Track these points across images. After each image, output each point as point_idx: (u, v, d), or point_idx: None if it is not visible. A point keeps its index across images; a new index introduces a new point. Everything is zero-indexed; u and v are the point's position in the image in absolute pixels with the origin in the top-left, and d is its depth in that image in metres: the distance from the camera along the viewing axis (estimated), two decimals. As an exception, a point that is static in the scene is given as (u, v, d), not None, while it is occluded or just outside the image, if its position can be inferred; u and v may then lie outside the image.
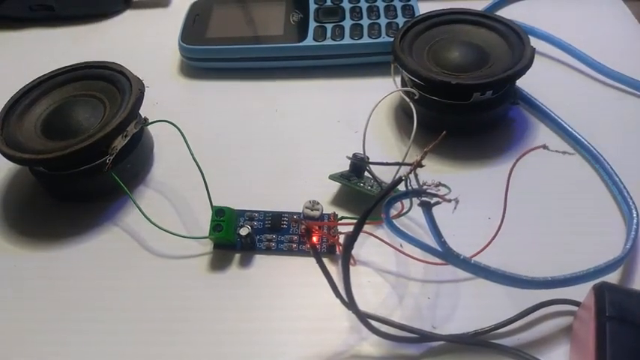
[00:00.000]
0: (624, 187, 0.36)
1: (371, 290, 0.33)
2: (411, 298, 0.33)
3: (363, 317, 0.28)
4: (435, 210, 0.28)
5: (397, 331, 0.30)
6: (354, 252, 0.34)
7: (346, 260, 0.25)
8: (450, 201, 0.26)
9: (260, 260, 0.34)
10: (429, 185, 0.27)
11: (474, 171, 0.39)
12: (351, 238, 0.25)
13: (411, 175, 0.28)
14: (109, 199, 0.38)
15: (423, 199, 0.27)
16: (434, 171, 0.38)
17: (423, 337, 0.30)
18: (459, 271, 0.32)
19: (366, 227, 0.34)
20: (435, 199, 0.27)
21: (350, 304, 0.27)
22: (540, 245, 0.34)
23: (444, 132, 0.27)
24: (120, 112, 0.36)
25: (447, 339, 0.30)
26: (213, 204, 0.34)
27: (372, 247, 0.34)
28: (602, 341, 0.26)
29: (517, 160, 0.31)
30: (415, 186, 0.27)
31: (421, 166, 0.26)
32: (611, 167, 0.37)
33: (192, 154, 0.35)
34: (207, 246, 0.35)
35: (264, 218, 0.35)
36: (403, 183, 0.28)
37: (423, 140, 0.35)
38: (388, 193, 0.26)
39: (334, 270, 0.32)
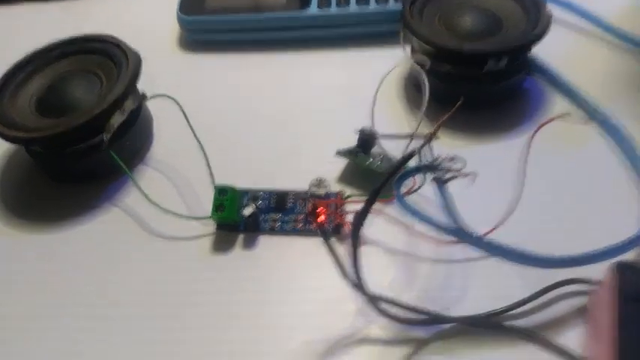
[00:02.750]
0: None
1: (379, 271, 0.32)
2: (422, 278, 0.31)
3: (372, 299, 0.27)
4: (449, 186, 0.26)
5: (407, 313, 0.29)
6: (363, 231, 0.33)
7: (355, 239, 0.24)
8: (466, 175, 0.25)
9: (265, 241, 0.33)
10: (443, 159, 0.26)
11: (488, 145, 0.37)
12: (361, 217, 0.24)
13: (424, 149, 0.26)
14: (107, 179, 0.37)
15: (437, 174, 0.26)
16: (445, 145, 0.36)
17: (434, 318, 0.29)
18: (472, 251, 0.31)
19: (377, 205, 0.33)
20: (449, 174, 0.26)
21: (359, 285, 0.26)
22: (556, 222, 0.33)
23: (461, 99, 0.25)
24: (116, 86, 0.35)
25: (459, 320, 0.29)
26: (216, 183, 0.33)
27: (381, 226, 0.33)
28: (623, 324, 0.25)
29: (536, 131, 0.29)
30: (428, 161, 0.26)
31: (436, 137, 0.25)
32: (630, 141, 0.36)
33: (192, 131, 0.34)
34: (210, 226, 0.34)
35: (268, 197, 0.34)
36: (415, 158, 0.26)
37: (434, 114, 0.33)
38: (400, 169, 0.25)
39: (341, 250, 0.31)
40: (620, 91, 0.40)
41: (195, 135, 0.34)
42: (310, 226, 0.33)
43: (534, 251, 0.28)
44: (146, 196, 0.34)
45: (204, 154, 0.33)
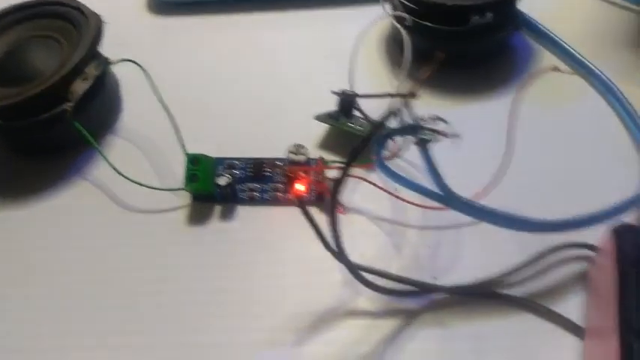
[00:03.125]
0: (638, 117, 0.33)
1: (365, 241, 0.30)
2: (409, 247, 0.30)
3: (355, 270, 0.25)
4: (433, 149, 0.24)
5: (394, 284, 0.27)
6: (345, 199, 0.31)
7: (334, 207, 0.22)
8: (449, 136, 0.23)
9: (243, 212, 0.31)
10: (426, 120, 0.24)
11: (474, 105, 0.35)
12: (338, 183, 0.22)
13: (405, 109, 0.24)
14: (75, 152, 0.34)
15: (419, 135, 0.24)
16: (430, 106, 0.34)
17: (423, 289, 0.27)
18: (462, 217, 0.29)
19: (358, 172, 0.32)
20: (433, 135, 0.24)
21: (340, 255, 0.24)
22: (550, 184, 0.31)
23: (441, 54, 0.23)
24: (77, 51, 0.32)
25: (450, 290, 0.27)
26: (189, 152, 0.31)
27: (365, 194, 0.31)
28: (626, 290, 0.23)
29: (523, 87, 0.27)
30: (410, 121, 0.24)
31: (415, 96, 0.23)
32: (624, 96, 0.34)
33: (159, 97, 0.32)
34: (185, 198, 0.32)
35: (245, 166, 0.32)
36: (396, 118, 0.24)
37: (417, 73, 0.31)
38: (378, 130, 0.22)
39: (324, 220, 0.29)
40: (607, 46, 0.38)
41: (162, 102, 0.32)
42: (290, 195, 0.31)
43: (528, 215, 0.26)
44: (115, 168, 0.32)
45: (173, 121, 0.31)
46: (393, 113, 0.23)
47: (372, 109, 0.32)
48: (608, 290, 0.24)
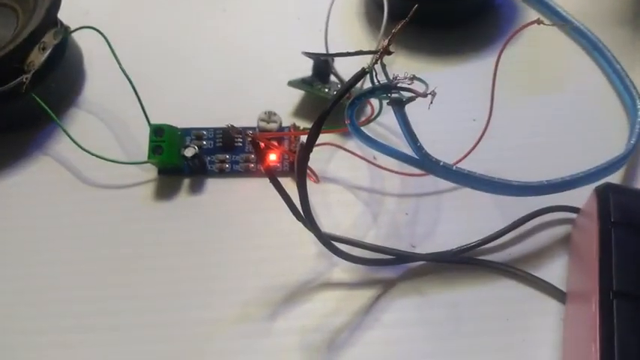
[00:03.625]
0: (626, 75, 0.31)
1: (341, 210, 0.29)
2: (387, 215, 0.29)
3: (326, 239, 0.24)
4: (411, 113, 0.23)
5: (371, 254, 0.26)
6: (320, 168, 0.30)
7: (302, 174, 0.21)
8: (425, 95, 0.22)
9: (212, 184, 0.30)
10: (401, 79, 0.22)
11: (456, 67, 0.34)
12: (306, 148, 0.21)
13: (380, 69, 0.23)
14: (35, 126, 0.33)
15: (394, 95, 0.22)
16: (409, 69, 0.32)
17: (400, 258, 0.26)
18: (441, 182, 0.28)
19: (333, 138, 0.30)
20: (408, 96, 0.22)
21: (311, 225, 0.23)
22: (532, 147, 0.30)
23: (415, 6, 0.21)
24: (32, 19, 0.30)
25: (428, 258, 0.26)
26: (152, 122, 0.29)
27: (341, 161, 0.30)
28: (607, 249, 0.22)
29: (505, 45, 0.26)
30: (384, 81, 0.22)
31: (389, 53, 0.21)
32: (611, 54, 0.33)
33: (119, 65, 0.30)
34: (151, 172, 0.30)
35: (213, 136, 0.30)
36: (370, 79, 0.23)
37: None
38: (349, 90, 0.21)
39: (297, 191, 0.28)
40: (597, 3, 0.36)
41: (122, 68, 0.30)
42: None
43: (508, 179, 0.25)
44: (76, 142, 0.30)
45: (134, 89, 0.29)
46: (366, 73, 0.22)
47: (350, 74, 0.31)
48: (589, 252, 0.23)
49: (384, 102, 0.27)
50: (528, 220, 0.27)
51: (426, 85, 0.23)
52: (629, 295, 0.21)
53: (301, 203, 0.22)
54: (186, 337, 0.26)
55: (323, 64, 0.30)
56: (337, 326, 0.26)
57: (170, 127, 0.29)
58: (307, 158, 0.21)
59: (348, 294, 0.27)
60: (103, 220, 0.29)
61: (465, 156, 0.28)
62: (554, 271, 0.26)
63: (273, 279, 0.27)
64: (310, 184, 0.29)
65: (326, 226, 0.28)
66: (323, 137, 0.30)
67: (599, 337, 0.21)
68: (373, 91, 0.23)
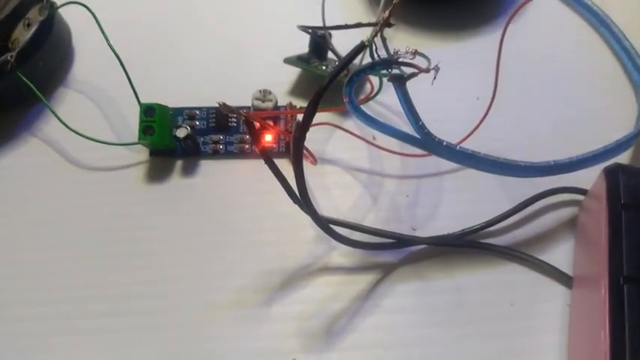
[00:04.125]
0: (635, 52, 0.30)
1: (340, 192, 0.28)
2: (387, 197, 0.28)
3: (324, 222, 0.23)
4: (412, 91, 0.22)
5: (370, 237, 0.25)
6: (317, 149, 0.29)
7: (298, 154, 0.20)
8: (428, 71, 0.21)
9: (206, 166, 0.29)
10: (402, 54, 0.21)
11: (458, 43, 0.32)
12: (302, 127, 0.20)
13: (380, 44, 0.21)
14: (22, 107, 0.31)
15: (395, 71, 0.21)
16: (410, 45, 0.31)
17: (401, 241, 0.26)
18: (443, 163, 0.27)
19: (331, 118, 0.29)
20: (409, 71, 0.21)
21: (307, 208, 0.22)
22: (537, 126, 0.29)
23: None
24: (16, -7, 0.29)
25: (429, 241, 0.26)
26: (143, 102, 0.28)
27: (339, 142, 0.29)
28: (617, 233, 0.21)
29: (509, 20, 0.25)
30: (384, 56, 0.21)
31: (389, 25, 0.20)
32: (619, 30, 0.31)
33: (108, 42, 0.29)
34: (142, 153, 0.29)
35: (207, 116, 0.29)
36: (369, 54, 0.22)
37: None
38: (347, 66, 0.20)
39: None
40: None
41: (110, 46, 0.28)
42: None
43: (513, 159, 0.24)
44: (65, 124, 0.29)
45: (124, 68, 0.28)
46: (365, 46, 0.20)
47: (349, 50, 0.29)
48: (597, 235, 0.22)
49: (385, 79, 0.26)
50: (533, 202, 0.26)
51: (429, 60, 0.22)
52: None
53: (297, 185, 0.21)
54: (181, 322, 0.25)
55: (320, 40, 0.29)
56: (336, 312, 0.25)
57: (161, 106, 0.28)
58: (303, 138, 0.20)
59: (347, 279, 0.26)
60: (92, 203, 0.28)
61: (469, 135, 0.27)
62: (560, 255, 0.26)
63: (270, 263, 0.26)
64: (307, 166, 0.28)
65: (324, 209, 0.27)
66: (320, 116, 0.29)
67: (609, 324, 0.20)
68: (373, 67, 0.22)
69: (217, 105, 0.20)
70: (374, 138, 0.28)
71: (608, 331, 0.20)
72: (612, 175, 0.23)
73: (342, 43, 0.30)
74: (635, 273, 0.21)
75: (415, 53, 0.21)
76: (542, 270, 0.25)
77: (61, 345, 0.25)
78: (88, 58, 0.33)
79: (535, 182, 0.26)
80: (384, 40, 0.21)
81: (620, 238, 0.21)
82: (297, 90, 0.31)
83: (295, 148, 0.20)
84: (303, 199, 0.21)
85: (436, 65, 0.21)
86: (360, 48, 0.20)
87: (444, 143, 0.23)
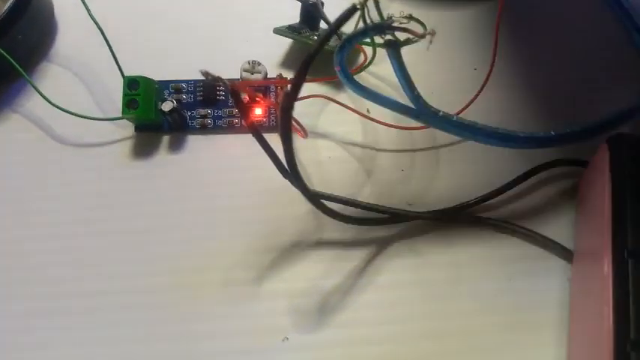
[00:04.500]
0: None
1: (334, 167, 0.27)
2: (382, 172, 0.27)
3: (315, 198, 0.22)
4: (409, 61, 0.21)
5: (364, 213, 0.25)
6: (308, 122, 0.28)
7: (285, 125, 0.19)
8: (423, 36, 0.20)
9: (194, 141, 0.28)
10: (396, 19, 0.20)
11: (455, 12, 0.31)
12: (290, 95, 0.19)
13: (373, 7, 0.20)
14: (3, 82, 0.30)
15: (388, 37, 0.20)
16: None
17: (395, 216, 0.25)
18: (439, 136, 0.26)
19: (323, 90, 0.28)
20: (404, 37, 0.20)
21: (296, 181, 0.21)
22: (538, 97, 0.28)
23: None
24: (-9, -38, 0.28)
25: (425, 216, 0.25)
26: (127, 75, 0.27)
27: (332, 115, 0.28)
28: (621, 205, 0.20)
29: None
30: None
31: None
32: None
33: (89, 12, 0.27)
34: (128, 128, 0.28)
35: (194, 89, 0.28)
36: (361, 18, 0.21)
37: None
38: (338, 29, 0.19)
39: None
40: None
41: (92, 17, 0.27)
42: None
43: (512, 130, 0.23)
44: (47, 99, 0.28)
45: (106, 40, 0.27)
46: (356, 9, 0.19)
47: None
48: (599, 207, 0.21)
49: (378, 48, 0.25)
50: (532, 175, 0.26)
51: (424, 25, 0.21)
52: (645, 254, 0.20)
53: (286, 157, 0.20)
54: (170, 301, 0.25)
55: (312, 9, 0.28)
56: (328, 289, 0.24)
57: (146, 79, 0.27)
58: (292, 107, 0.19)
59: (340, 255, 0.25)
60: (77, 179, 0.27)
61: (466, 107, 0.26)
62: (561, 229, 0.25)
63: (261, 240, 0.25)
64: (300, 141, 0.28)
65: (317, 184, 0.26)
66: (312, 89, 0.28)
67: (613, 300, 0.19)
68: (365, 32, 0.20)
69: (201, 73, 0.19)
70: (368, 111, 0.27)
71: (611, 307, 0.19)
72: (616, 144, 0.22)
73: (335, 13, 0.28)
74: (640, 246, 0.20)
75: (410, 18, 0.20)
76: (542, 244, 0.24)
77: (47, 326, 0.25)
78: (72, 32, 0.32)
79: (534, 154, 0.25)
80: (377, 4, 0.20)
81: (625, 211, 0.20)
82: (287, 62, 0.29)
83: (283, 119, 0.19)
84: (291, 172, 0.20)
85: (432, 29, 0.19)
86: (351, 11, 0.19)
87: (440, 113, 0.22)
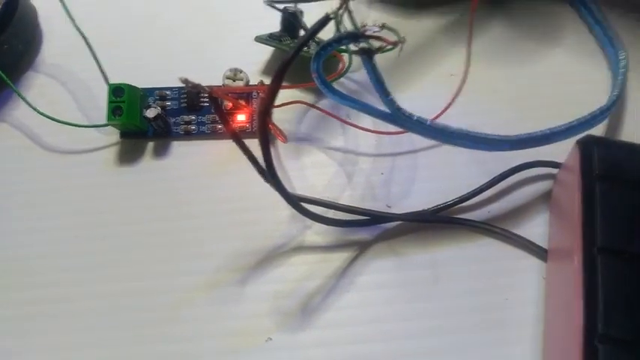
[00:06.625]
0: (608, 25, 0.30)
1: (315, 171, 0.28)
2: (362, 175, 0.27)
3: (295, 200, 0.22)
4: (388, 68, 0.22)
5: (345, 215, 0.25)
6: (289, 128, 0.29)
7: (263, 130, 0.20)
8: (396, 44, 0.20)
9: (178, 147, 0.28)
10: (370, 27, 0.21)
11: (431, 20, 0.32)
12: (267, 101, 0.19)
13: (347, 17, 0.21)
14: (-10, 91, 0.31)
15: (362, 45, 0.21)
16: (382, 20, 0.31)
17: (376, 218, 0.25)
18: (417, 140, 0.27)
19: (303, 97, 0.29)
20: (378, 43, 0.21)
21: (275, 184, 0.21)
22: (512, 101, 0.29)
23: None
24: (-24, -27, 0.28)
25: (404, 218, 0.25)
26: (112, 82, 0.27)
27: (313, 121, 0.29)
28: (591, 204, 0.21)
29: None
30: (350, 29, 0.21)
31: (354, -4, 0.20)
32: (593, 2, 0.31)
33: (73, 22, 0.28)
34: (113, 135, 0.29)
35: (178, 96, 0.29)
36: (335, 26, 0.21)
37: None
38: (312, 37, 0.20)
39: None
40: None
41: (76, 27, 0.28)
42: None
43: (487, 133, 0.24)
44: (33, 107, 0.28)
45: (90, 48, 0.28)
46: (330, 19, 0.20)
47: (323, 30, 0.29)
48: (571, 207, 0.22)
49: (354, 55, 0.26)
50: (508, 177, 0.26)
51: (397, 33, 0.22)
52: (613, 250, 0.20)
53: (264, 160, 0.20)
54: (155, 305, 0.25)
55: (292, 18, 0.29)
56: (311, 290, 0.25)
57: (130, 86, 0.27)
58: (268, 111, 0.20)
59: (322, 257, 0.26)
60: (64, 186, 0.28)
61: (443, 112, 0.27)
62: (535, 229, 0.25)
63: (244, 243, 0.26)
64: (282, 146, 0.28)
65: (299, 188, 0.27)
66: (293, 95, 0.29)
67: (584, 293, 0.20)
68: (339, 40, 0.21)
69: (180, 80, 0.20)
70: (348, 116, 0.28)
71: (582, 300, 0.20)
72: (586, 146, 0.23)
73: (314, 20, 0.29)
74: (609, 243, 0.21)
75: (383, 27, 0.21)
76: (518, 243, 0.25)
77: (35, 329, 0.25)
78: (57, 41, 0.33)
79: (510, 157, 0.26)
80: (350, 13, 0.21)
81: (594, 210, 0.21)
82: (269, 69, 0.30)
83: (260, 123, 0.20)
84: (269, 174, 0.21)
85: (403, 37, 0.20)
86: (324, 20, 0.20)
87: (415, 118, 0.23)
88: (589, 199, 0.21)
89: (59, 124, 0.28)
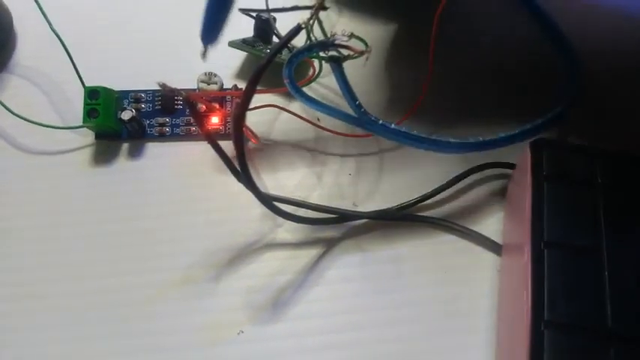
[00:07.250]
0: (560, 29, 0.32)
1: (286, 172, 0.29)
2: (330, 176, 0.29)
3: (267, 200, 0.24)
4: (353, 74, 0.23)
5: (315, 214, 0.27)
6: (262, 130, 0.30)
7: (238, 132, 0.21)
8: (362, 53, 0.22)
9: (153, 149, 0.29)
10: (339, 36, 0.22)
11: (398, 27, 0.33)
12: (242, 105, 0.20)
13: (317, 26, 0.22)
14: (-38, 92, 0.31)
15: (331, 53, 0.22)
16: (350, 27, 0.31)
17: (343, 216, 0.27)
18: (383, 143, 0.29)
19: (276, 100, 0.30)
20: (346, 52, 0.22)
21: (249, 184, 0.23)
22: (471, 105, 0.30)
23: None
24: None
25: (369, 216, 0.27)
26: (87, 85, 0.28)
27: (285, 124, 0.30)
28: (539, 202, 0.23)
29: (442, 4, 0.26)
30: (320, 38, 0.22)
31: (324, 8, 0.21)
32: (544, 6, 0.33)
33: (50, 25, 0.28)
34: (88, 137, 0.29)
35: (152, 99, 0.30)
36: (306, 36, 0.23)
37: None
38: (285, 46, 0.21)
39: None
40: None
41: (53, 29, 0.28)
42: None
43: (448, 136, 0.25)
44: (7, 108, 0.29)
45: (67, 51, 0.28)
46: (301, 28, 0.21)
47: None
48: (523, 205, 0.24)
49: (324, 62, 0.28)
50: (466, 177, 0.28)
51: (365, 42, 0.23)
52: (558, 244, 0.22)
53: (238, 161, 0.22)
54: (131, 301, 0.26)
55: (265, 24, 0.30)
56: (282, 285, 0.26)
57: (106, 89, 0.28)
58: (243, 116, 0.21)
59: (293, 253, 0.27)
60: (39, 187, 0.28)
61: (407, 116, 0.28)
62: (492, 225, 0.27)
63: (218, 241, 0.27)
64: (255, 148, 0.29)
65: (271, 188, 0.28)
66: (266, 99, 0.30)
67: (531, 284, 0.22)
68: (310, 49, 0.23)
69: (158, 84, 0.21)
70: (318, 120, 0.29)
71: (530, 290, 0.22)
72: (536, 148, 0.25)
73: (287, 27, 0.30)
74: (555, 238, 0.23)
75: (351, 36, 0.22)
76: (474, 239, 0.27)
77: (11, 327, 0.26)
78: (31, 43, 0.33)
79: (468, 158, 0.28)
80: (320, 22, 0.22)
81: (542, 207, 0.23)
82: (242, 73, 0.31)
83: (235, 126, 0.21)
84: (243, 175, 0.22)
85: (369, 47, 0.22)
86: (296, 30, 0.21)
87: (380, 122, 0.24)
88: (538, 198, 0.23)
89: (34, 125, 0.29)
